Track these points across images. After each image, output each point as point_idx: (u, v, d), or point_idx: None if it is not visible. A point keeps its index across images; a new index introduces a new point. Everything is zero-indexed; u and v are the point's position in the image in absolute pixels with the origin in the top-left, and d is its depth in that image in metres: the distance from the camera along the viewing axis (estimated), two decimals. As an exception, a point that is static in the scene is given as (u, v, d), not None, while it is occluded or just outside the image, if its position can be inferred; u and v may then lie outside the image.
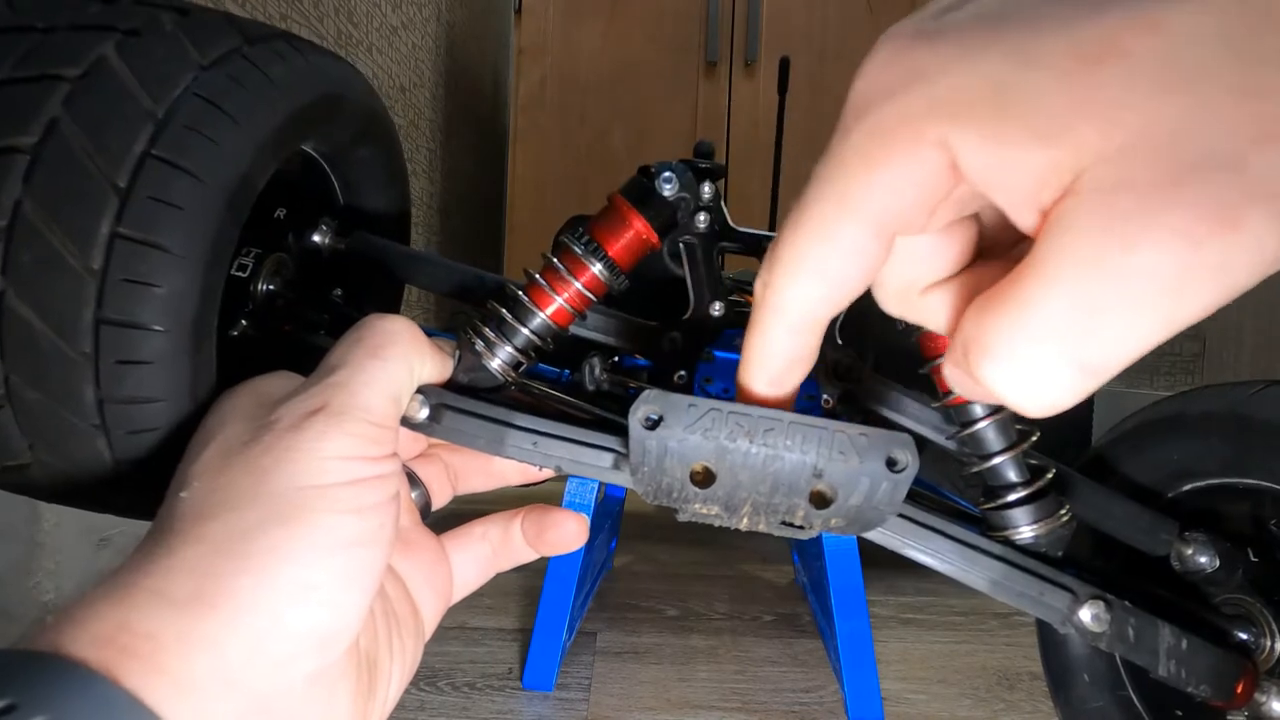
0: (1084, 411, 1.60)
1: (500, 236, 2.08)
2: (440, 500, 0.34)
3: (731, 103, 1.84)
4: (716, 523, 0.32)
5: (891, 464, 0.29)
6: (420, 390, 0.31)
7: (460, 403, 0.32)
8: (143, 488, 0.33)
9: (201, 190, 0.31)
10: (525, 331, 0.34)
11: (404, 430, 0.32)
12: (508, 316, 0.34)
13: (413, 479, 0.33)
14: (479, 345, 0.34)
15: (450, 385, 0.32)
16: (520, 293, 0.35)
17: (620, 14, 1.84)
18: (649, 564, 1.00)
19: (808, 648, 0.74)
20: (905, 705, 0.64)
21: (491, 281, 0.48)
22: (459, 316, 0.39)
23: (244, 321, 0.43)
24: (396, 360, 0.28)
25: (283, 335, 0.45)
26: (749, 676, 0.67)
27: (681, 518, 0.32)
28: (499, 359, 0.34)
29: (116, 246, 0.30)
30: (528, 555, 0.34)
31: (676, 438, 0.29)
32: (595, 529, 0.76)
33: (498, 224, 2.54)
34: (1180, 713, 0.42)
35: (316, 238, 0.48)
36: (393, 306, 0.59)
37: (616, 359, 0.49)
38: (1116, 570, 0.45)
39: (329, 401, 0.26)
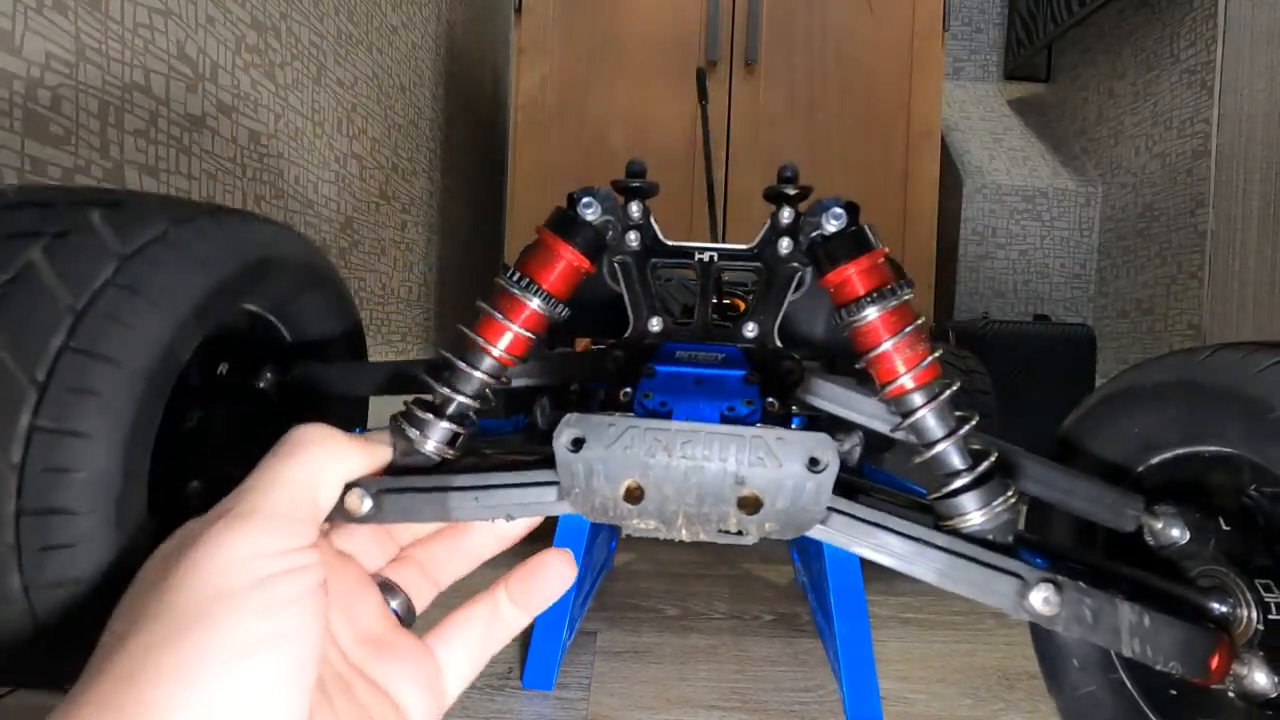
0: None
1: (500, 235, 2.08)
2: (424, 601, 0.34)
3: (731, 103, 1.83)
4: (660, 535, 0.32)
5: (813, 464, 0.29)
6: (358, 484, 0.31)
7: (397, 484, 0.32)
8: (71, 655, 0.34)
9: (119, 374, 0.33)
10: (460, 399, 0.35)
11: (371, 537, 0.33)
12: (440, 389, 0.35)
13: (389, 587, 0.33)
14: (412, 433, 0.34)
15: (392, 471, 0.33)
16: (457, 360, 0.35)
17: (621, 13, 1.84)
18: (649, 563, 1.00)
19: (807, 647, 0.74)
20: (905, 705, 0.64)
21: (427, 364, 0.49)
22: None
23: (195, 480, 0.45)
24: (301, 458, 0.28)
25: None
26: (749, 676, 0.67)
27: (625, 533, 0.32)
28: (433, 440, 0.34)
29: (35, 439, 0.31)
30: (520, 620, 0.34)
31: (599, 457, 0.30)
32: (596, 528, 0.76)
33: (498, 223, 2.53)
34: (1174, 692, 0.42)
35: (262, 384, 0.51)
36: (355, 414, 0.61)
37: (575, 389, 0.49)
38: (1096, 554, 0.45)
39: (231, 507, 0.27)
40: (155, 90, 0.88)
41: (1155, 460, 0.42)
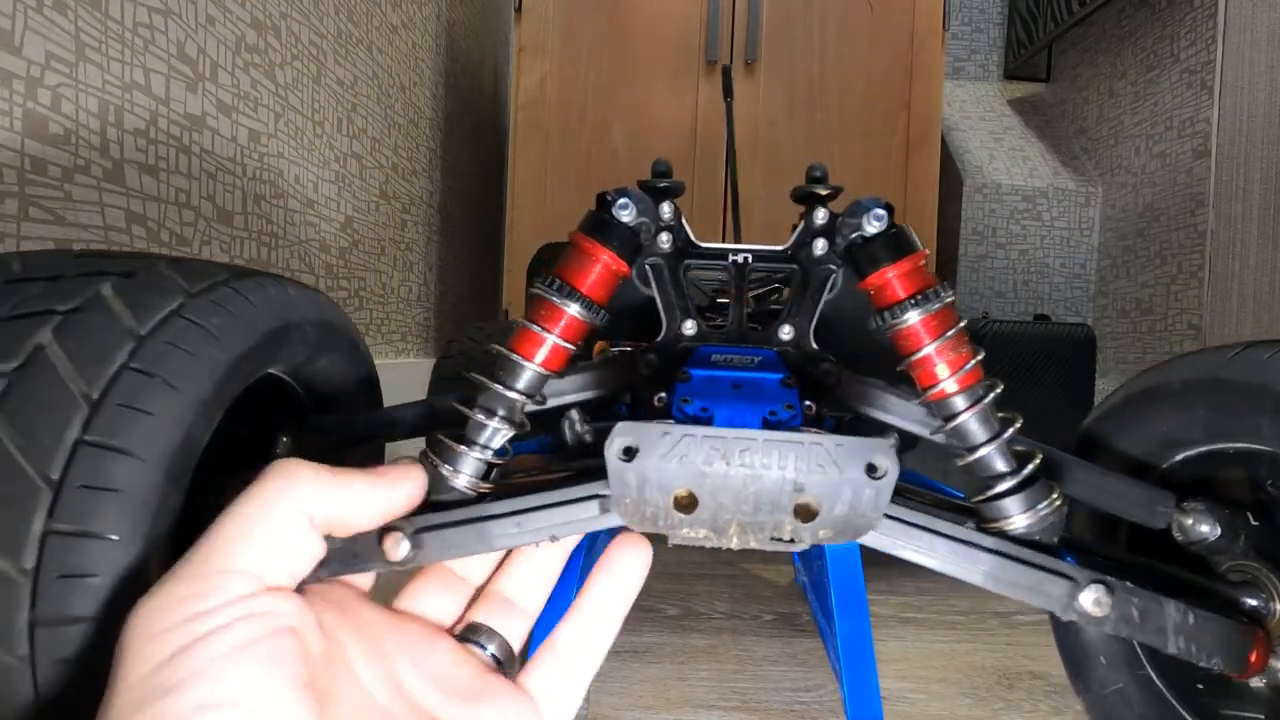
0: (1083, 408, 1.60)
1: (500, 234, 2.08)
2: (521, 633, 0.33)
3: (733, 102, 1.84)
4: (707, 544, 0.31)
5: (871, 470, 0.29)
6: (394, 527, 0.30)
7: (433, 520, 0.31)
8: None
9: (138, 467, 0.31)
10: (493, 424, 0.33)
11: (439, 583, 0.32)
12: (473, 415, 0.33)
13: (477, 630, 0.32)
14: (444, 468, 0.33)
15: (428, 509, 0.32)
16: (490, 382, 0.34)
17: (620, 13, 1.84)
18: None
19: (807, 647, 0.74)
20: (905, 704, 0.64)
21: (445, 403, 0.47)
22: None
23: None
24: (247, 502, 0.26)
25: None
26: (749, 675, 0.67)
27: (672, 542, 0.31)
28: (466, 473, 0.33)
29: (49, 543, 0.29)
30: (612, 623, 0.32)
31: (654, 466, 0.29)
32: (595, 528, 0.76)
33: (498, 222, 2.54)
34: (1200, 686, 0.42)
35: (278, 450, 0.49)
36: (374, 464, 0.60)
37: (604, 401, 0.48)
38: (1119, 550, 0.45)
39: (172, 572, 0.25)
40: (155, 89, 0.88)
41: (1179, 457, 0.43)
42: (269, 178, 1.16)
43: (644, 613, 0.82)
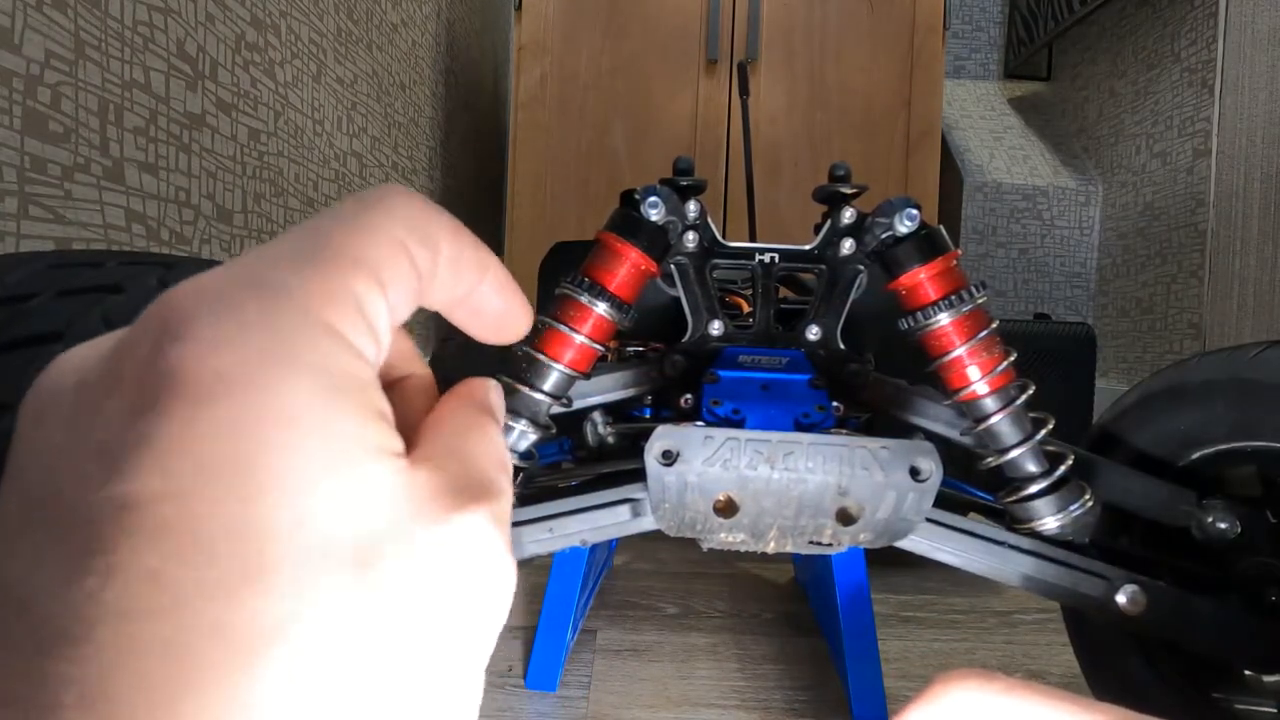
0: (1083, 408, 1.60)
1: (500, 234, 2.08)
2: None
3: (732, 101, 1.83)
4: (743, 548, 0.31)
5: (915, 474, 0.29)
6: None
7: None
8: None
9: None
10: (519, 427, 0.33)
11: None
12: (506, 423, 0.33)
13: None
14: None
15: None
16: (516, 383, 0.33)
17: (621, 11, 1.84)
18: (649, 562, 1.00)
19: (807, 645, 0.74)
20: (905, 703, 0.64)
21: None
22: None
23: None
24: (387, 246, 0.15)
25: None
26: (749, 674, 0.67)
27: (706, 547, 0.31)
28: None
29: None
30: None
31: (695, 471, 0.29)
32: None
33: (498, 221, 2.53)
34: (1215, 679, 0.43)
35: None
36: None
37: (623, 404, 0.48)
38: (1140, 547, 0.45)
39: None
40: (155, 88, 0.88)
41: (1196, 455, 0.43)
42: (269, 176, 1.15)
43: (644, 611, 0.82)
